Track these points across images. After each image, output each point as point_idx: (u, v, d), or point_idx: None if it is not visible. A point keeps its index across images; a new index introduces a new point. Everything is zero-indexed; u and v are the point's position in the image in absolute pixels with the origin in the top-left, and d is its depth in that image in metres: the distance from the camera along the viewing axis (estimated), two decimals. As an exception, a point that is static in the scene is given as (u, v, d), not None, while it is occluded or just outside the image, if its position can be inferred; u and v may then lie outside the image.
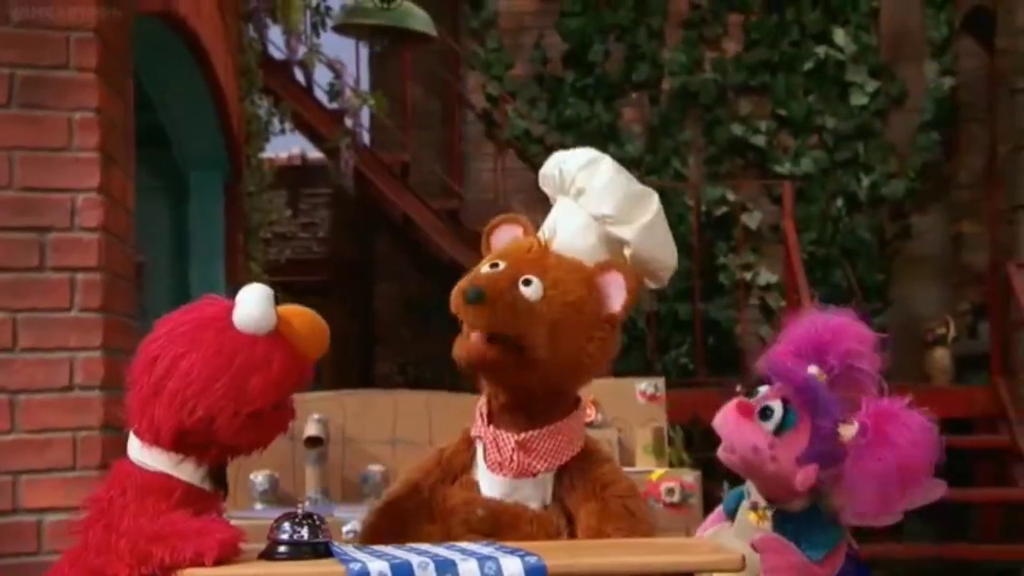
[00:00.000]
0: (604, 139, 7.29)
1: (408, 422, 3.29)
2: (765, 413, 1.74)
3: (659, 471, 3.87)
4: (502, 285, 1.66)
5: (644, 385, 4.09)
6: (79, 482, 2.82)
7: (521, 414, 1.74)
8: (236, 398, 1.56)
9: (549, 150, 7.64)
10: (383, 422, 3.29)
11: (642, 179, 6.43)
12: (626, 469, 3.89)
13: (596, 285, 1.72)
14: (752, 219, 7.26)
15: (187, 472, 1.60)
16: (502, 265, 1.70)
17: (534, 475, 1.73)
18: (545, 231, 1.81)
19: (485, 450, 1.76)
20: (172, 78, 4.19)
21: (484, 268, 1.73)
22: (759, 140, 7.31)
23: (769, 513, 1.79)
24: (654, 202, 1.82)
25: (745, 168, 7.35)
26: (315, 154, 7.50)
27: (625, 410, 3.99)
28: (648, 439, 4.00)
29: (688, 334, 6.88)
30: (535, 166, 7.27)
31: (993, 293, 6.30)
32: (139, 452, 1.62)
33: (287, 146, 7.61)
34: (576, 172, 1.82)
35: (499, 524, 1.71)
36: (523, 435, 1.72)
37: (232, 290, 5.05)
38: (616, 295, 1.73)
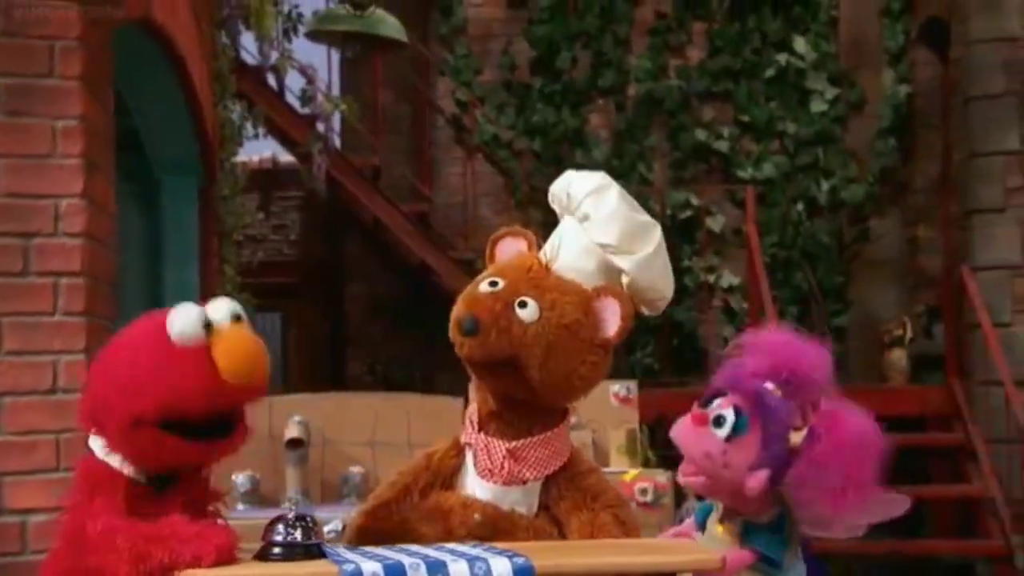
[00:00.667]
0: (571, 144, 7.39)
1: (387, 425, 3.30)
2: (718, 421, 1.76)
3: (633, 472, 3.93)
4: (497, 310, 1.68)
5: (617, 387, 4.14)
6: (63, 483, 2.78)
7: (512, 423, 1.76)
8: (127, 395, 1.58)
9: (517, 155, 7.78)
10: (362, 425, 3.32)
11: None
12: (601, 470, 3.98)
13: (592, 309, 1.74)
14: (716, 223, 7.33)
15: (123, 464, 1.63)
16: (501, 284, 1.72)
17: (524, 483, 1.75)
18: (548, 250, 1.81)
19: (475, 457, 1.77)
20: (148, 84, 4.19)
21: (484, 285, 1.74)
22: (722, 145, 7.37)
23: (736, 525, 1.80)
24: (656, 235, 1.83)
25: (709, 173, 7.41)
26: (286, 158, 7.50)
27: (599, 412, 4.02)
28: (622, 440, 4.06)
29: (653, 335, 6.91)
30: (503, 170, 7.36)
31: (947, 296, 6.39)
32: (92, 439, 1.69)
33: (258, 150, 7.62)
34: (583, 197, 1.81)
35: (496, 529, 1.72)
36: (514, 444, 1.74)
37: (206, 293, 5.09)
38: (611, 320, 1.74)
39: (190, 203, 4.98)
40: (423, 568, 1.48)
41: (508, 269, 1.77)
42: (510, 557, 1.50)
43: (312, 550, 1.58)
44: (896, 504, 1.81)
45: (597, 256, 1.79)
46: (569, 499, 1.77)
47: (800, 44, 7.38)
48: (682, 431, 1.78)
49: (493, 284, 1.73)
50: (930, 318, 7.02)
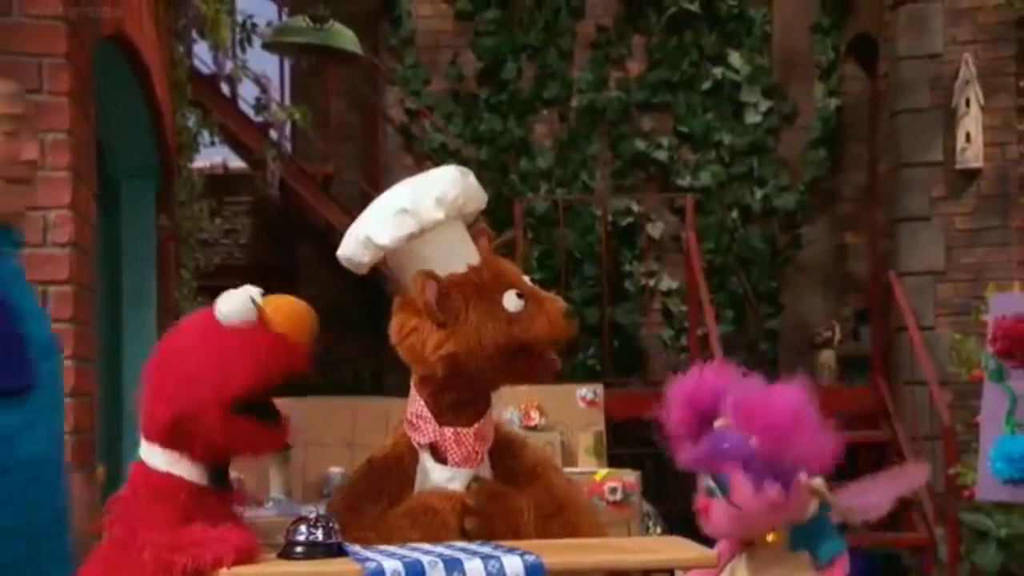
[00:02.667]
0: (516, 153, 7.44)
1: (365, 426, 3.37)
2: (711, 493, 1.89)
3: (602, 471, 4.01)
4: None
5: (584, 391, 4.27)
6: None
7: (473, 407, 1.83)
8: (224, 380, 1.60)
9: (465, 163, 7.92)
10: (342, 426, 3.40)
11: (552, 191, 6.77)
12: (570, 469, 4.12)
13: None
14: (655, 229, 7.41)
15: (186, 469, 1.65)
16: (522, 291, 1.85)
17: (481, 460, 1.84)
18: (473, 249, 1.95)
19: (445, 450, 1.82)
20: (114, 93, 4.20)
21: (513, 300, 1.83)
22: (661, 155, 7.46)
23: (785, 532, 1.90)
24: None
25: (648, 181, 7.48)
26: (236, 163, 7.56)
27: (566, 414, 4.14)
28: (589, 442, 4.16)
29: (596, 337, 6.97)
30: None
31: (875, 300, 6.51)
32: (145, 451, 1.68)
33: (209, 155, 7.70)
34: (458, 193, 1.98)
35: (492, 494, 1.80)
36: (477, 425, 1.82)
37: (163, 296, 5.15)
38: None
39: (148, 207, 5.00)
40: (441, 566, 1.53)
41: (495, 279, 1.89)
42: (521, 555, 1.57)
43: (332, 549, 1.63)
44: (916, 475, 1.96)
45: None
46: (520, 473, 1.86)
47: (735, 58, 7.46)
48: (711, 525, 1.91)
49: (520, 296, 1.84)
50: (857, 321, 7.17)
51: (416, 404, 1.84)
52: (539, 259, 6.94)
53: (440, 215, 1.77)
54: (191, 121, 5.51)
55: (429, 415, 1.83)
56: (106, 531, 1.66)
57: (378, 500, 1.81)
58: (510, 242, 6.21)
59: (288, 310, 1.66)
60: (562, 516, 1.82)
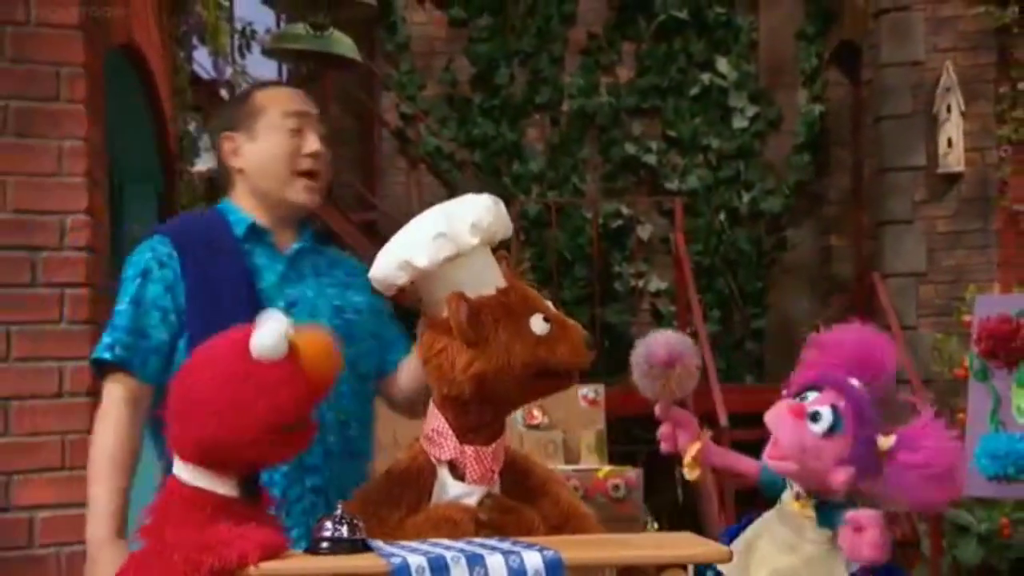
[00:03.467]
0: (509, 156, 7.52)
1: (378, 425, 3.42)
2: (815, 417, 1.82)
3: (605, 469, 4.07)
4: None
5: (586, 390, 4.33)
6: (68, 481, 2.94)
7: (493, 427, 1.87)
8: (236, 422, 1.60)
9: (459, 166, 8.05)
10: None
11: (544, 194, 6.87)
12: (573, 467, 4.17)
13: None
14: (645, 231, 7.50)
15: (215, 484, 1.64)
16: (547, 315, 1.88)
17: (496, 478, 1.86)
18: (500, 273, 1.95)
19: (464, 467, 1.85)
20: (119, 99, 4.21)
21: (540, 324, 1.85)
22: (650, 159, 7.55)
23: (811, 502, 1.86)
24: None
25: (638, 184, 7.57)
26: (233, 167, 7.64)
27: (568, 413, 4.20)
28: (591, 440, 4.23)
29: None
30: (445, 181, 7.49)
31: (859, 301, 6.56)
32: (177, 467, 1.67)
33: (207, 160, 7.72)
34: (481, 219, 1.93)
35: (504, 508, 1.83)
36: (494, 444, 1.85)
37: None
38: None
39: (150, 210, 5.02)
40: (463, 561, 1.53)
41: (521, 303, 1.89)
42: (540, 551, 1.58)
43: (357, 545, 1.63)
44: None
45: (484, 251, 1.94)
46: (527, 489, 1.89)
47: (722, 65, 7.56)
48: (779, 420, 1.86)
49: (546, 320, 1.87)
50: (842, 321, 7.36)
51: (437, 421, 1.87)
52: (532, 260, 7.05)
53: (475, 241, 1.88)
54: (192, 126, 5.60)
55: (450, 432, 1.86)
56: (144, 538, 1.67)
57: (396, 509, 1.84)
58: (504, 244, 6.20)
59: (318, 349, 1.68)
60: (569, 526, 1.86)
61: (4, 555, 2.91)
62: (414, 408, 2.18)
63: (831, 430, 1.82)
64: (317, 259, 2.19)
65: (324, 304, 2.14)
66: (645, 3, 7.61)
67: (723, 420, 5.70)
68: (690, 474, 2.02)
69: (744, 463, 2.09)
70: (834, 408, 1.82)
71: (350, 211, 7.02)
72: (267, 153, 2.10)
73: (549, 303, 1.90)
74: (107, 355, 2.03)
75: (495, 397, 1.84)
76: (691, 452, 2.02)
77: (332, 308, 2.15)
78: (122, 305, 2.07)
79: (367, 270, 2.05)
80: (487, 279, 1.87)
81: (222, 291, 2.04)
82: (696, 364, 2.01)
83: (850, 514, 1.79)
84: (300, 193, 2.11)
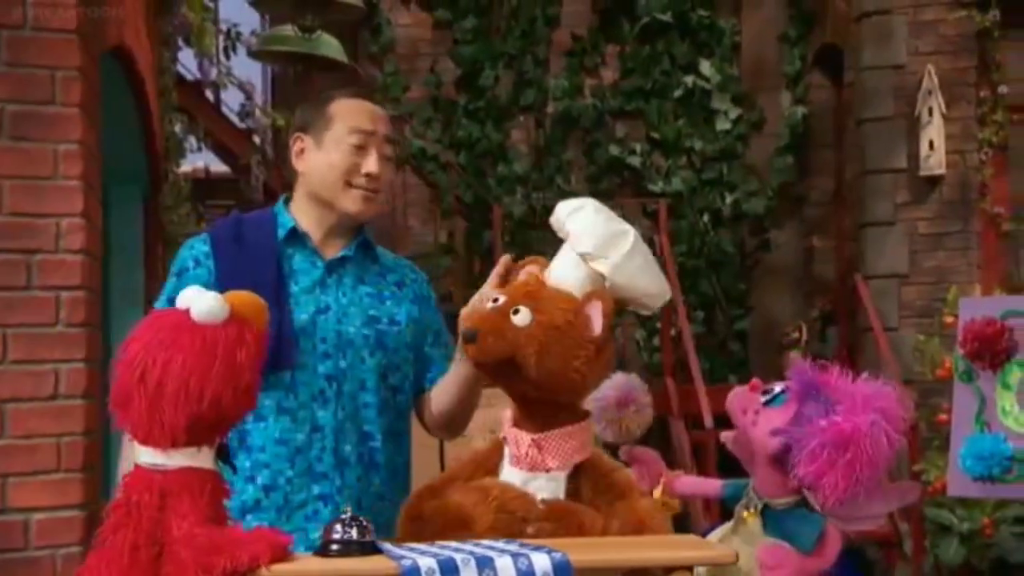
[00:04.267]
0: (494, 158, 7.53)
1: None
2: (765, 391, 1.88)
3: None
4: (492, 319, 1.88)
5: None
6: (63, 484, 2.98)
7: (535, 419, 1.91)
8: (233, 375, 1.63)
9: (443, 167, 8.03)
10: None
11: (528, 196, 6.89)
12: None
13: (582, 312, 1.90)
14: None
15: (205, 459, 1.65)
16: (501, 299, 1.92)
17: (547, 471, 1.90)
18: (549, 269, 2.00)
19: (508, 447, 1.94)
20: (108, 101, 4.28)
21: (488, 303, 1.93)
22: (635, 161, 7.58)
23: (759, 509, 1.90)
24: (629, 239, 1.97)
25: (622, 186, 7.55)
26: (218, 167, 7.64)
27: None
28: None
29: None
30: (430, 182, 7.52)
31: (842, 302, 6.64)
32: (152, 457, 1.64)
33: (192, 160, 7.77)
34: (565, 217, 1.99)
35: (556, 511, 1.87)
36: (537, 435, 1.90)
37: (151, 298, 5.24)
38: (596, 319, 1.90)
39: (136, 211, 5.08)
40: (473, 563, 1.54)
41: (509, 287, 1.99)
42: (548, 552, 1.59)
43: (367, 547, 1.64)
44: (909, 491, 1.91)
45: (584, 268, 1.96)
46: (606, 494, 1.91)
47: (706, 67, 7.58)
48: (735, 392, 1.93)
49: (495, 300, 1.93)
50: (824, 322, 7.27)
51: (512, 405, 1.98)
52: (516, 261, 7.05)
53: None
54: (177, 127, 5.60)
55: (510, 416, 1.95)
56: (109, 537, 1.63)
57: (457, 479, 1.94)
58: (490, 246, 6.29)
59: (250, 303, 1.72)
60: (642, 533, 1.86)
61: (0, 557, 2.92)
62: (447, 427, 2.25)
63: (772, 401, 1.87)
64: (365, 268, 2.23)
65: (357, 312, 2.18)
66: (629, 6, 7.64)
67: (708, 421, 5.73)
68: (669, 510, 2.04)
69: (708, 486, 2.13)
70: (784, 388, 1.88)
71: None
72: (326, 164, 2.15)
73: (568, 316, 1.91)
74: None
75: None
76: (657, 493, 2.05)
77: (365, 316, 2.19)
78: (159, 303, 2.13)
79: (424, 279, 2.20)
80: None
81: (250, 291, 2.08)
82: (647, 401, 2.06)
83: (760, 550, 1.80)
84: (355, 201, 2.16)
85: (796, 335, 6.89)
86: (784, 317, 7.35)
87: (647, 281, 2.00)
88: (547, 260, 2.03)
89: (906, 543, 5.48)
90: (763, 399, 1.89)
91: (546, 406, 1.92)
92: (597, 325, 1.89)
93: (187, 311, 1.66)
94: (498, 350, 1.87)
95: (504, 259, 2.08)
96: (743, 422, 1.89)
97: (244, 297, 1.71)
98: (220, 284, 2.06)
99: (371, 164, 2.15)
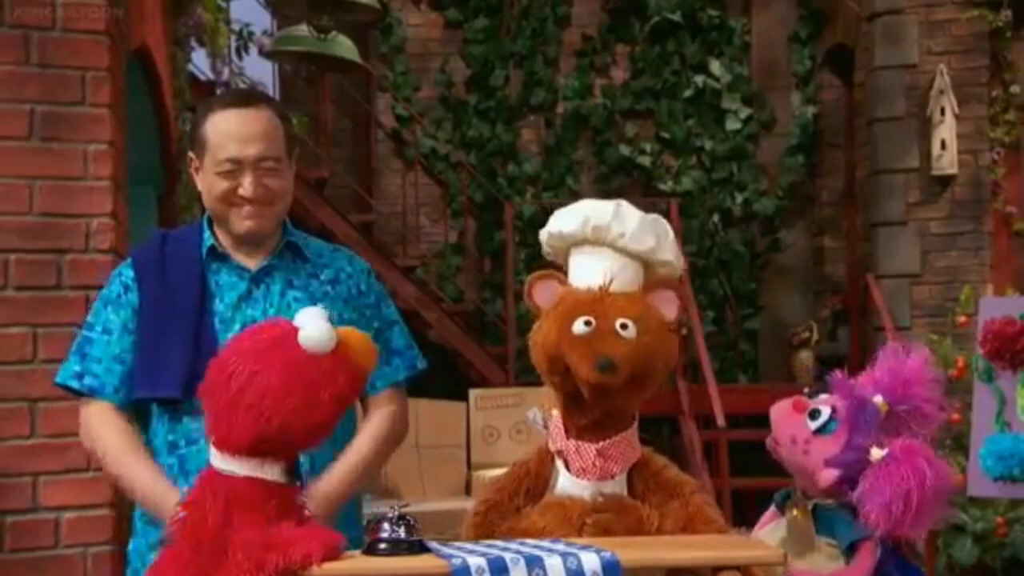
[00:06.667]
0: (504, 158, 7.56)
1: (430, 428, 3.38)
2: (813, 414, 1.88)
3: None
4: (617, 343, 1.86)
5: None
6: (93, 483, 2.97)
7: (600, 429, 1.92)
8: (308, 410, 1.64)
9: (454, 167, 8.04)
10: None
11: (538, 195, 6.92)
12: None
13: (652, 305, 1.93)
14: None
15: (270, 472, 1.66)
16: (594, 321, 1.88)
17: (612, 477, 1.92)
18: (604, 278, 1.95)
19: (568, 460, 1.94)
20: (129, 101, 4.33)
21: (579, 326, 1.88)
22: (644, 160, 7.58)
23: (807, 509, 1.91)
24: (663, 223, 2.02)
25: (632, 186, 7.57)
26: (228, 167, 7.62)
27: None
28: None
29: None
30: (441, 182, 7.55)
31: (853, 301, 6.64)
32: (222, 461, 1.67)
33: (202, 160, 7.69)
34: (611, 221, 1.96)
35: (614, 507, 1.89)
36: (601, 444, 1.91)
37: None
38: (667, 307, 1.93)
39: (150, 210, 5.08)
40: (522, 562, 1.55)
41: (582, 305, 1.92)
42: (597, 552, 1.60)
43: (415, 546, 1.65)
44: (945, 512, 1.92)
45: (631, 263, 1.96)
46: (658, 492, 1.93)
47: (716, 67, 7.60)
48: (779, 412, 1.94)
49: (588, 324, 1.88)
50: (834, 322, 7.30)
51: (557, 414, 1.98)
52: (526, 261, 7.08)
53: (582, 231, 2.04)
54: (191, 127, 5.58)
55: (561, 426, 1.96)
56: (177, 533, 1.67)
57: (516, 496, 1.94)
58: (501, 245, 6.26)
59: (361, 344, 1.73)
60: (695, 529, 1.89)
61: (31, 555, 2.94)
62: None
63: (823, 428, 1.88)
64: (295, 271, 2.16)
65: None
66: (639, 5, 7.65)
67: (720, 421, 5.74)
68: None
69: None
70: (833, 409, 1.88)
71: (346, 212, 7.01)
72: (207, 188, 2.10)
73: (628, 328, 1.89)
74: (74, 383, 2.10)
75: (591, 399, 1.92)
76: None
77: None
78: (93, 333, 2.11)
79: (363, 271, 2.13)
80: (588, 276, 1.96)
81: (169, 313, 2.06)
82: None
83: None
84: (242, 222, 2.09)
85: (806, 335, 6.94)
86: (794, 317, 7.38)
87: (680, 259, 2.04)
88: (558, 272, 2.01)
89: (919, 542, 5.52)
90: (812, 426, 1.89)
91: (607, 416, 1.93)
92: (672, 311, 1.94)
93: (296, 329, 1.67)
94: (632, 372, 1.87)
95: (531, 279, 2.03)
96: (793, 451, 1.91)
97: (357, 337, 1.72)
98: (142, 310, 2.07)
99: (246, 188, 2.06)
